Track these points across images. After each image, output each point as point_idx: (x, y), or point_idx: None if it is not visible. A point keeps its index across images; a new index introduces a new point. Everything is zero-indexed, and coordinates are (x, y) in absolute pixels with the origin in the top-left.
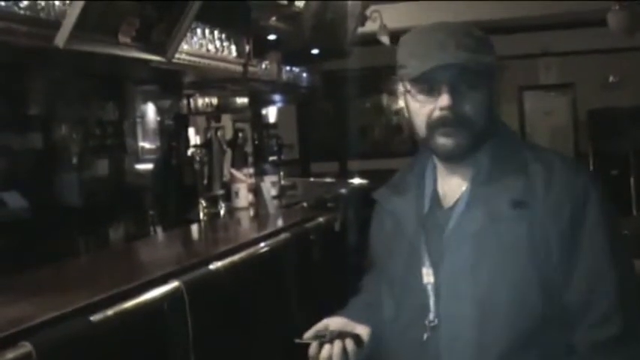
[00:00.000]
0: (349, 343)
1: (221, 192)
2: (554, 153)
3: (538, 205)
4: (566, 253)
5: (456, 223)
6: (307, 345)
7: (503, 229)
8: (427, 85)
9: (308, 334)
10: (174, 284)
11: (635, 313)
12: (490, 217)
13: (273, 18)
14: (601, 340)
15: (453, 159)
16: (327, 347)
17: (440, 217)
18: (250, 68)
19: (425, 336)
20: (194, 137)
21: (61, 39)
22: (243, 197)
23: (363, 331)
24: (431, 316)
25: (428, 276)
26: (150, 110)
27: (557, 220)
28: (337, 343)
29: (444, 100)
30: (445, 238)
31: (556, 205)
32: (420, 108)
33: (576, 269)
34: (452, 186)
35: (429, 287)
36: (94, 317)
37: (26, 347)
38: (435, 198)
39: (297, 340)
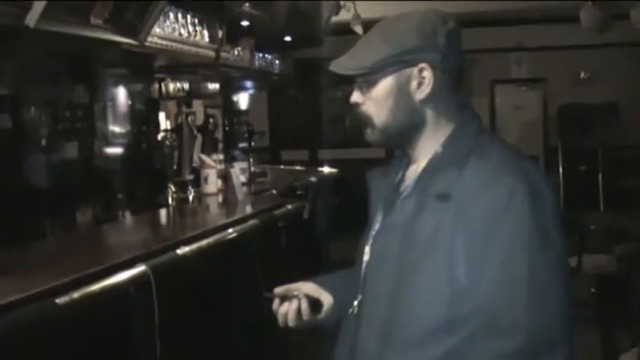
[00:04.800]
0: (303, 304)
1: (190, 177)
2: (503, 150)
3: (462, 201)
4: (478, 257)
5: (395, 208)
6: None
7: (425, 220)
8: None
9: (278, 290)
10: (141, 268)
11: (544, 327)
12: (418, 207)
13: (247, 4)
14: (503, 352)
15: (383, 148)
16: (285, 304)
17: (394, 200)
18: (222, 54)
19: (351, 310)
20: (164, 122)
21: (31, 19)
22: (213, 183)
23: (326, 299)
24: (358, 292)
25: (366, 254)
26: (120, 94)
27: (473, 219)
28: (294, 302)
29: (352, 97)
30: (384, 221)
31: (475, 203)
32: None
33: (486, 275)
34: (411, 172)
35: (364, 265)
36: (60, 300)
37: None
38: (399, 182)
39: (266, 294)
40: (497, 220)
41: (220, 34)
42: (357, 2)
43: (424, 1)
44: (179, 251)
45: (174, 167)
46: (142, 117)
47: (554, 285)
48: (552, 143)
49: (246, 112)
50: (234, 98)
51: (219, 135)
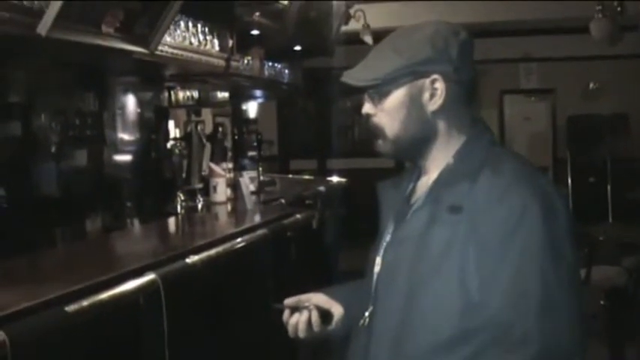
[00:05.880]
0: (314, 315)
1: (199, 186)
2: (515, 163)
3: (474, 213)
4: (490, 269)
5: (406, 220)
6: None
7: (437, 233)
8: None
9: (288, 301)
10: (150, 277)
11: (556, 339)
12: (430, 218)
13: (257, 13)
14: None
15: (395, 159)
16: (296, 315)
17: (405, 212)
18: (233, 63)
19: (362, 322)
20: (174, 130)
21: (43, 27)
22: (222, 192)
23: (336, 310)
24: (369, 303)
25: (377, 265)
26: (130, 102)
27: (485, 232)
28: (305, 313)
29: (363, 108)
30: (395, 233)
31: (488, 217)
32: None
33: (498, 287)
34: (422, 184)
35: (375, 276)
36: (69, 307)
37: (0, 336)
38: (410, 194)
39: (276, 305)
40: (510, 233)
41: (230, 43)
42: (366, 12)
43: (436, 11)
44: (188, 260)
45: (184, 176)
46: (152, 125)
47: (566, 297)
48: (561, 154)
49: (255, 120)
50: (244, 107)
51: (228, 144)
